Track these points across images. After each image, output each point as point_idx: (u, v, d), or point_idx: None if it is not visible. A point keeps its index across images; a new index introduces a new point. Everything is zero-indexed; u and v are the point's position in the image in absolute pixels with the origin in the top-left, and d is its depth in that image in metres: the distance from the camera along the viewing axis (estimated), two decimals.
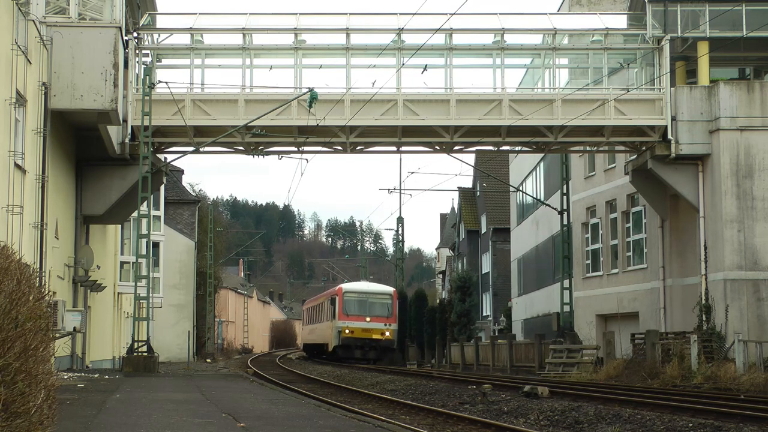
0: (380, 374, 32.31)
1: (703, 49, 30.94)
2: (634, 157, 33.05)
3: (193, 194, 67.38)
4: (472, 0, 57.39)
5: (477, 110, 30.78)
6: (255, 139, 31.14)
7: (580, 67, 33.67)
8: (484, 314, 66.41)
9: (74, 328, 26.60)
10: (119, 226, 40.11)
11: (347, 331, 49.33)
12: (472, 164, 57.09)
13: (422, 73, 30.73)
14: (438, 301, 71.71)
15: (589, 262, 40.38)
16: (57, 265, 27.68)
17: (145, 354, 31.64)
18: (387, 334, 49.37)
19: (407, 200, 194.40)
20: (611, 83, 32.19)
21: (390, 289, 53.86)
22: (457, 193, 75.26)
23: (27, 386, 7.42)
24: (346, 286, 53.56)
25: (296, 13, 31.90)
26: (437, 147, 32.77)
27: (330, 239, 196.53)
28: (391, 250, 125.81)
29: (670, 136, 30.64)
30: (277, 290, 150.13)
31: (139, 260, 35.04)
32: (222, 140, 31.04)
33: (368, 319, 49.68)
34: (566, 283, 38.31)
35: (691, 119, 30.72)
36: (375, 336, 49.25)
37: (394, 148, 33.40)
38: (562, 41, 31.98)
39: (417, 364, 53.64)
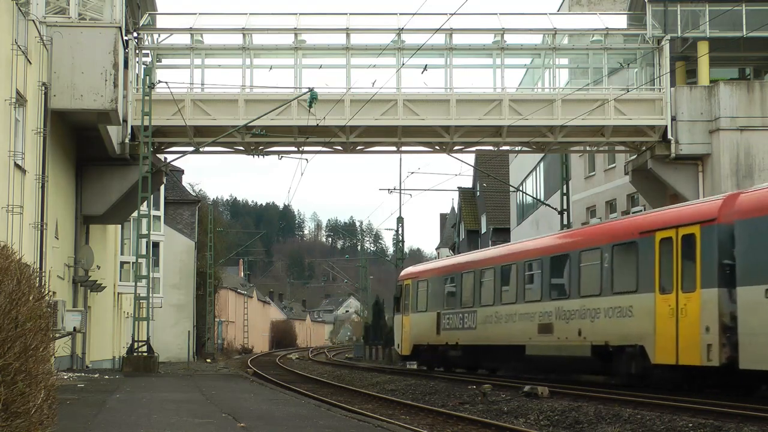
0: (380, 374, 32.31)
1: (703, 49, 30.93)
2: (634, 157, 33.05)
3: (193, 194, 67.40)
4: (472, 0, 57.20)
5: (477, 110, 30.79)
6: (255, 139, 31.15)
7: (580, 67, 33.68)
8: None
9: (74, 328, 26.61)
10: (119, 226, 40.14)
11: None
12: (472, 164, 57.02)
13: (422, 73, 30.77)
14: None
15: None
16: (57, 265, 27.68)
17: (145, 354, 31.65)
18: None
19: (407, 200, 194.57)
20: (611, 83, 32.19)
21: None
22: (457, 193, 75.18)
23: (27, 386, 7.42)
24: None
25: (296, 13, 31.93)
26: (437, 147, 32.78)
27: (330, 239, 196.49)
28: (391, 250, 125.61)
29: (670, 136, 30.65)
30: (277, 290, 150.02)
31: (139, 260, 35.04)
32: (222, 140, 31.06)
33: None
34: None
35: (691, 119, 30.72)
36: None
37: (394, 148, 33.41)
38: (562, 41, 31.99)
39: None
